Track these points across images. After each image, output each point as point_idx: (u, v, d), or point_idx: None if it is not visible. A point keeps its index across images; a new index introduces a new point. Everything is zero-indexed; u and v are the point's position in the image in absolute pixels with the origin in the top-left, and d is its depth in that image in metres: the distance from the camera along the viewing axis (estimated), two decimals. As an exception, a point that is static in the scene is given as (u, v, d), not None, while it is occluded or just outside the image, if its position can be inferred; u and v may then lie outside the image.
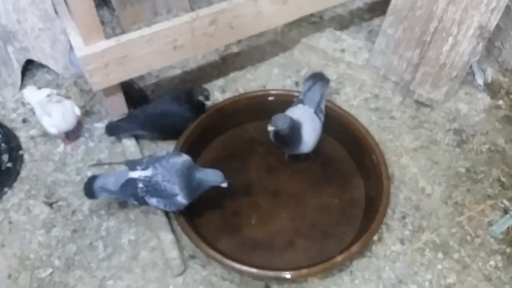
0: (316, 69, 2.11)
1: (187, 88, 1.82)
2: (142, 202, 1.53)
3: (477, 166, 1.84)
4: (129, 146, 1.83)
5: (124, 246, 1.62)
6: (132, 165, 1.54)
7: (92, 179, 1.59)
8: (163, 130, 1.84)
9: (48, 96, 1.66)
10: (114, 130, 1.85)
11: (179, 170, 1.48)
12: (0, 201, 1.72)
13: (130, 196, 1.53)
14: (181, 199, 1.49)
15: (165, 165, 1.49)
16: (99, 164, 1.80)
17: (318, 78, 1.82)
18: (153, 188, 1.48)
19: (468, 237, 1.67)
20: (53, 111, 1.69)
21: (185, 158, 1.54)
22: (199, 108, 1.81)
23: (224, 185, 1.53)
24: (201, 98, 1.77)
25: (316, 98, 1.76)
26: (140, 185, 1.49)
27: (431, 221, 1.70)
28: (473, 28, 1.75)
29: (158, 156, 1.55)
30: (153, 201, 1.51)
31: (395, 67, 1.99)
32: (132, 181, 1.50)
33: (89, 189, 1.58)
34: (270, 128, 1.59)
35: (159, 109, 1.80)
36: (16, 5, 1.88)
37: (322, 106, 1.76)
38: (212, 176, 1.53)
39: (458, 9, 1.74)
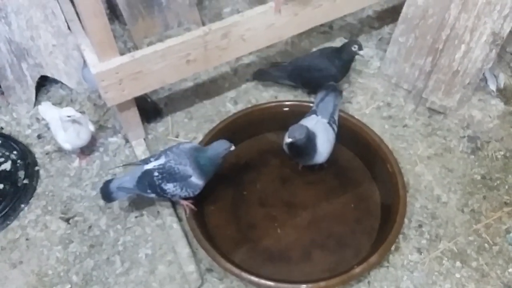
0: (328, 79, 2.12)
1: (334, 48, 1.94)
2: (160, 191, 1.57)
3: (492, 173, 1.83)
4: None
5: (141, 260, 1.63)
6: (146, 160, 1.63)
7: (108, 182, 1.63)
8: (308, 83, 2.00)
9: (69, 116, 1.67)
10: (263, 75, 2.07)
11: (187, 153, 1.56)
12: (17, 218, 1.73)
13: (147, 188, 1.57)
14: (196, 180, 1.54)
15: (175, 151, 1.58)
16: (129, 164, 1.81)
17: (331, 89, 1.83)
18: (167, 173, 1.54)
19: (486, 245, 1.66)
20: (69, 128, 1.71)
21: (193, 144, 1.63)
22: (347, 66, 1.91)
23: (232, 148, 1.58)
24: (354, 48, 1.85)
25: (330, 109, 1.76)
26: (156, 173, 1.55)
27: (448, 230, 1.69)
28: (485, 35, 1.75)
29: (169, 146, 1.64)
30: (169, 186, 1.55)
31: (407, 75, 1.99)
32: (148, 172, 1.56)
33: (106, 192, 1.62)
34: (288, 140, 1.59)
35: (307, 62, 1.94)
36: (29, 22, 1.91)
37: (336, 117, 1.77)
38: (218, 147, 1.57)
39: (471, 16, 1.73)
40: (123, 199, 1.74)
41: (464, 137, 1.93)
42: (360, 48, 1.86)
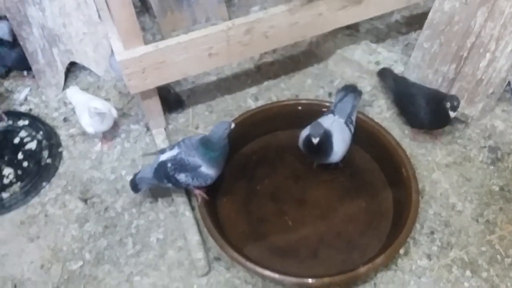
0: (350, 80, 2.13)
1: (441, 94, 1.85)
2: (174, 181, 1.62)
3: (511, 185, 1.79)
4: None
5: (153, 244, 1.67)
6: (163, 150, 1.69)
7: (135, 175, 1.70)
8: (401, 108, 1.96)
9: (96, 108, 1.74)
10: (385, 76, 2.04)
11: (194, 144, 1.60)
12: (38, 195, 1.80)
13: (163, 178, 1.62)
14: (205, 170, 1.58)
15: (187, 142, 1.63)
16: (148, 154, 1.86)
17: (350, 90, 1.83)
18: (179, 164, 1.59)
19: (498, 257, 1.63)
20: (94, 116, 1.77)
21: (201, 135, 1.64)
22: (438, 116, 1.80)
23: (233, 125, 1.59)
24: (446, 105, 1.74)
25: (348, 109, 1.77)
26: (169, 164, 1.60)
27: (461, 238, 1.67)
28: (511, 44, 1.72)
29: (185, 137, 1.69)
30: (182, 176, 1.60)
31: (430, 81, 1.97)
32: (163, 163, 1.62)
33: (133, 184, 1.70)
34: (308, 136, 1.61)
35: (412, 90, 1.89)
36: (62, 9, 1.98)
37: (353, 118, 1.77)
38: (219, 129, 1.57)
39: (497, 25, 1.71)
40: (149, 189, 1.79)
41: (485, 147, 1.90)
42: (453, 109, 1.74)
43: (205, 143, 1.57)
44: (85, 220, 1.73)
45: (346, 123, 1.73)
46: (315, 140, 1.59)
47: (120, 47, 1.66)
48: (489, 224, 1.70)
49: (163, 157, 1.63)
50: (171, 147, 1.65)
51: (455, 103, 1.73)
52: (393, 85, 1.97)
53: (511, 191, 1.78)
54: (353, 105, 1.79)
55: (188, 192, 1.76)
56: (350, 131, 1.74)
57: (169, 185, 1.65)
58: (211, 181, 1.62)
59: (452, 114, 1.75)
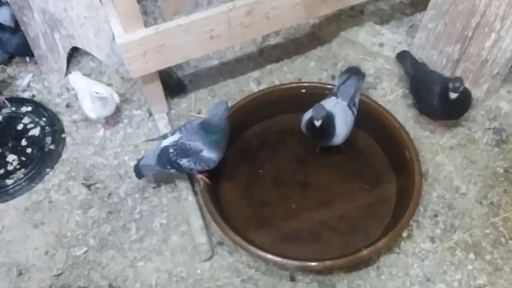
0: (354, 63, 2.10)
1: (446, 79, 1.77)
2: (177, 166, 1.61)
3: (516, 167, 1.78)
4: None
5: (156, 229, 1.68)
6: (165, 135, 1.68)
7: (139, 161, 1.70)
8: (415, 93, 1.89)
9: (97, 93, 1.74)
10: (403, 57, 1.97)
11: (195, 128, 1.59)
12: (42, 181, 1.81)
13: (166, 164, 1.62)
14: (207, 154, 1.57)
15: (188, 127, 1.62)
16: (150, 139, 1.84)
17: (354, 72, 1.81)
18: (180, 149, 1.59)
19: (502, 239, 1.62)
20: (96, 101, 1.76)
21: (201, 119, 1.62)
22: (448, 103, 1.72)
23: (228, 104, 1.59)
24: (450, 86, 1.67)
25: (351, 92, 1.75)
26: (171, 150, 1.59)
27: (464, 221, 1.66)
28: (517, 23, 1.69)
29: (185, 123, 1.66)
30: (184, 161, 1.59)
31: (435, 63, 1.94)
32: (165, 149, 1.61)
33: (137, 170, 1.69)
34: (317, 122, 1.59)
35: (430, 77, 1.83)
36: (63, -7, 1.96)
37: (356, 100, 1.75)
38: (217, 110, 1.55)
39: (502, 3, 1.67)
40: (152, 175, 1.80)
41: (490, 129, 1.88)
42: (454, 90, 1.66)
43: (206, 127, 1.56)
44: (89, 206, 1.74)
45: (349, 105, 1.72)
46: (318, 123, 1.58)
47: (120, 30, 1.64)
48: (493, 207, 1.69)
49: (165, 142, 1.62)
50: (173, 132, 1.64)
51: (457, 84, 1.66)
52: (411, 70, 1.90)
53: (516, 173, 1.77)
54: (356, 87, 1.77)
55: (190, 177, 1.76)
56: (353, 113, 1.72)
57: (172, 170, 1.65)
58: (213, 165, 1.61)
59: (452, 95, 1.67)
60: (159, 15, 2.36)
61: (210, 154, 1.58)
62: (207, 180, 1.64)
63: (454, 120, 1.87)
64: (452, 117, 1.85)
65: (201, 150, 1.57)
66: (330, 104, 1.69)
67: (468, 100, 1.78)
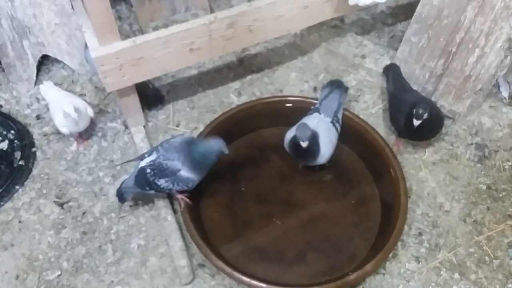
0: (335, 74, 2.07)
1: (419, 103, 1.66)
2: (155, 187, 1.54)
3: (498, 184, 1.77)
4: (142, 147, 1.80)
5: (133, 251, 1.60)
6: (141, 156, 1.59)
7: (121, 184, 1.62)
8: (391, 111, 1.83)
9: (65, 117, 1.67)
10: (390, 71, 1.91)
11: (177, 146, 1.52)
12: (11, 199, 1.71)
13: (145, 185, 1.55)
14: (186, 173, 1.51)
15: (165, 146, 1.55)
16: (127, 161, 1.76)
17: (336, 85, 1.77)
18: (158, 169, 1.52)
19: (487, 258, 1.61)
20: (69, 117, 1.67)
21: (184, 136, 1.58)
22: (411, 128, 1.66)
23: (226, 151, 1.52)
24: (413, 111, 1.62)
25: (334, 107, 1.71)
26: (148, 170, 1.53)
27: (449, 240, 1.65)
28: (501, 40, 1.68)
29: (162, 141, 1.60)
30: (162, 182, 1.52)
31: (417, 77, 1.93)
32: (142, 170, 1.54)
33: (119, 194, 1.63)
34: (303, 144, 1.53)
35: (404, 96, 1.76)
36: (32, -1, 1.86)
37: (339, 116, 1.72)
38: (213, 145, 1.51)
39: (487, 20, 1.67)
40: (112, 182, 1.74)
41: (472, 144, 1.87)
42: (417, 116, 1.60)
43: (193, 148, 1.50)
44: (62, 226, 1.65)
45: (332, 122, 1.68)
46: (304, 144, 1.53)
47: (95, 42, 1.56)
48: (477, 225, 1.68)
49: (143, 163, 1.55)
50: (150, 152, 1.57)
51: (420, 111, 1.60)
52: (391, 87, 1.87)
53: (498, 189, 1.76)
54: (339, 102, 1.73)
55: (170, 195, 1.69)
56: (337, 130, 1.69)
57: (152, 192, 1.58)
58: (193, 185, 1.55)
59: (415, 122, 1.61)
60: (134, 21, 2.28)
61: (188, 174, 1.51)
62: (187, 200, 1.57)
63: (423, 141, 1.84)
64: (419, 139, 1.82)
65: (179, 170, 1.50)
66: (314, 121, 1.65)
67: (437, 125, 1.75)
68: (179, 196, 1.57)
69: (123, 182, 1.61)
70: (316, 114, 1.69)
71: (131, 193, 1.61)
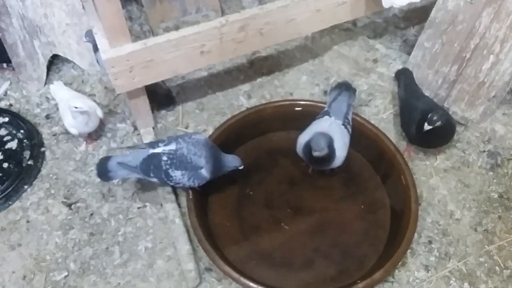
0: (347, 78, 2.05)
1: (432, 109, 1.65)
2: (164, 177, 1.52)
3: (510, 192, 1.75)
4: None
5: (141, 253, 1.60)
6: (152, 144, 1.58)
7: (107, 158, 1.58)
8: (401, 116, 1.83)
9: (76, 108, 1.64)
10: (403, 76, 1.89)
11: (205, 145, 1.54)
12: (19, 199, 1.71)
13: (150, 171, 1.53)
14: (205, 173, 1.52)
15: (188, 140, 1.53)
16: (121, 148, 1.77)
17: (344, 88, 1.75)
18: (178, 160, 1.50)
19: (497, 268, 1.59)
20: (77, 117, 1.67)
21: (205, 136, 1.60)
22: (424, 135, 1.66)
23: (241, 167, 1.61)
24: (428, 116, 1.60)
25: (343, 109, 1.69)
26: (164, 158, 1.51)
27: (459, 248, 1.62)
28: (517, 47, 1.66)
29: (178, 135, 1.60)
30: (177, 174, 1.51)
31: (430, 82, 1.90)
32: (156, 155, 1.52)
33: (103, 169, 1.55)
34: (319, 153, 1.53)
35: (416, 103, 1.74)
36: (44, -1, 1.86)
37: (349, 117, 1.70)
38: (232, 162, 1.60)
39: (502, 26, 1.64)
40: (120, 183, 1.72)
41: (484, 151, 1.85)
42: (430, 122, 1.58)
43: (216, 155, 1.56)
44: (70, 227, 1.65)
45: (344, 124, 1.66)
46: (319, 154, 1.53)
47: (106, 44, 1.55)
48: (488, 234, 1.66)
49: (156, 150, 1.53)
50: (166, 142, 1.54)
51: (435, 117, 1.58)
52: (402, 92, 1.84)
53: (510, 198, 1.74)
54: (348, 104, 1.72)
55: (177, 195, 1.69)
56: (349, 132, 1.67)
57: (155, 180, 1.56)
58: (203, 183, 1.56)
59: (426, 126, 1.59)
60: (145, 22, 2.27)
61: (206, 174, 1.53)
62: (196, 187, 1.59)
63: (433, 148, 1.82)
64: (429, 147, 1.80)
65: (201, 168, 1.51)
66: (325, 124, 1.63)
67: (449, 133, 1.72)
68: None
69: (108, 158, 1.57)
70: (326, 117, 1.67)
71: (125, 175, 1.59)
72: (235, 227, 1.63)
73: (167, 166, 1.51)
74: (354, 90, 1.79)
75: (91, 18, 1.66)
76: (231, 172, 1.62)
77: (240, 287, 1.51)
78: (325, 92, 2.02)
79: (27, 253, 1.60)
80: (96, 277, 1.55)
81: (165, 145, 1.54)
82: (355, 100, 1.79)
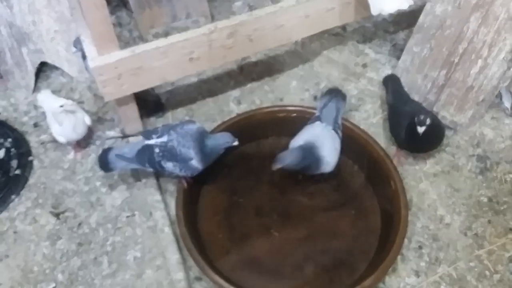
0: (336, 83, 2.05)
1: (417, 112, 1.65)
2: (158, 167, 1.57)
3: (500, 196, 1.75)
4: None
5: (129, 263, 1.58)
6: (147, 134, 1.59)
7: (107, 150, 1.61)
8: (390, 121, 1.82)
9: (61, 106, 1.62)
10: (391, 82, 1.89)
11: (193, 135, 1.55)
12: (7, 209, 1.69)
13: (145, 162, 1.56)
14: (196, 163, 1.54)
15: (179, 131, 1.55)
16: (115, 137, 1.79)
17: (334, 94, 1.75)
18: (169, 152, 1.54)
19: (487, 272, 1.59)
20: (64, 121, 1.66)
21: (198, 125, 1.60)
22: (412, 138, 1.66)
23: (235, 143, 1.59)
24: (416, 119, 1.59)
25: (333, 115, 1.69)
26: (157, 150, 1.54)
27: (449, 253, 1.62)
28: (504, 51, 1.66)
29: (172, 124, 1.63)
30: (169, 165, 1.54)
31: (419, 87, 1.90)
32: (149, 147, 1.55)
33: (104, 161, 1.59)
34: (274, 167, 1.55)
35: (405, 108, 1.75)
36: (31, 6, 1.85)
37: (339, 122, 1.70)
38: (222, 139, 1.59)
39: (490, 31, 1.65)
40: (109, 192, 1.72)
41: (474, 155, 1.85)
42: (419, 123, 1.58)
43: (204, 141, 1.55)
44: (57, 237, 1.63)
45: (334, 129, 1.66)
46: (297, 167, 1.56)
47: (94, 52, 1.54)
48: (478, 238, 1.66)
49: (150, 141, 1.56)
50: (160, 134, 1.56)
51: (422, 117, 1.58)
52: (390, 99, 1.84)
53: (499, 202, 1.74)
54: (337, 109, 1.71)
55: (166, 203, 1.68)
56: (339, 136, 1.66)
57: (150, 169, 1.61)
58: (196, 173, 1.58)
59: (419, 129, 1.59)
60: (134, 27, 2.26)
61: (198, 164, 1.55)
62: (190, 180, 1.60)
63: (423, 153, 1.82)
64: (419, 151, 1.80)
65: (191, 159, 1.53)
66: (317, 130, 1.64)
67: (438, 136, 1.72)
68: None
69: (110, 149, 1.60)
70: (318, 122, 1.67)
71: (124, 166, 1.61)
72: (225, 235, 1.62)
73: (159, 158, 1.55)
74: (344, 96, 1.78)
75: (79, 25, 1.65)
76: (227, 150, 1.61)
77: (230, 295, 1.51)
78: (315, 97, 2.02)
79: (15, 264, 1.58)
80: (84, 288, 1.54)
81: (158, 136, 1.57)
82: (345, 105, 1.79)
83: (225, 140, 1.58)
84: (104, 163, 1.59)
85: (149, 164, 1.56)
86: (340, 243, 1.60)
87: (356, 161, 1.78)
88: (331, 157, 1.61)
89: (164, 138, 1.55)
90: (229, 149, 1.63)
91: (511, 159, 1.83)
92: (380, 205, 1.67)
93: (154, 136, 1.57)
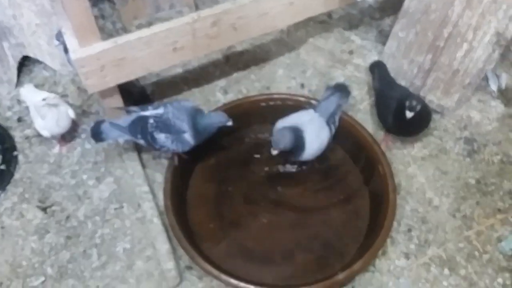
0: (323, 70, 2.05)
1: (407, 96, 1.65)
2: (150, 139, 1.57)
3: (487, 178, 1.76)
4: (127, 148, 1.77)
5: (119, 254, 1.57)
6: (143, 107, 1.61)
7: (100, 121, 1.62)
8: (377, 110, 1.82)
9: (43, 99, 1.60)
10: (377, 69, 1.89)
11: (188, 110, 1.57)
12: (-7, 205, 1.67)
13: (138, 133, 1.57)
14: (188, 137, 1.56)
15: (176, 105, 1.58)
16: (123, 108, 1.74)
17: (338, 89, 1.74)
18: (163, 123, 1.55)
19: (476, 253, 1.60)
20: (47, 115, 1.64)
21: (193, 103, 1.63)
22: (400, 121, 1.67)
23: (229, 123, 1.61)
24: (406, 104, 1.60)
25: (331, 109, 1.68)
26: (151, 120, 1.56)
27: (438, 235, 1.63)
28: (489, 34, 1.67)
29: (172, 101, 1.67)
30: (161, 136, 1.55)
31: (405, 72, 1.91)
32: (143, 118, 1.57)
33: (97, 130, 1.59)
34: (274, 152, 1.56)
35: (391, 93, 1.74)
36: (12, 0, 1.81)
37: (336, 118, 1.69)
38: (216, 118, 1.61)
39: (475, 14, 1.65)
40: (96, 185, 1.71)
41: (461, 138, 1.86)
42: (410, 108, 1.59)
43: (198, 118, 1.57)
44: (45, 231, 1.62)
45: (327, 122, 1.65)
46: (274, 152, 1.57)
47: (75, 44, 1.52)
48: (466, 219, 1.67)
49: (146, 113, 1.57)
50: (155, 106, 1.59)
51: (414, 103, 1.59)
52: (377, 84, 1.84)
53: (487, 184, 1.75)
54: (338, 104, 1.70)
55: (154, 194, 1.67)
56: (330, 130, 1.65)
57: (142, 141, 1.60)
58: (187, 149, 1.59)
59: (408, 113, 1.60)
60: (117, 19, 2.23)
61: (190, 139, 1.56)
62: (183, 156, 1.61)
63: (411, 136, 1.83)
64: (406, 135, 1.81)
65: (184, 132, 1.55)
66: (305, 117, 1.63)
67: (425, 119, 1.73)
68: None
69: (102, 121, 1.60)
70: (311, 110, 1.67)
71: (116, 136, 1.62)
72: (215, 223, 1.61)
73: (153, 129, 1.55)
74: (347, 93, 1.76)
75: (60, 17, 1.62)
76: (220, 129, 1.61)
77: (221, 284, 1.50)
78: (302, 85, 2.01)
79: (3, 259, 1.56)
80: (74, 281, 1.52)
81: (154, 108, 1.59)
82: (347, 102, 1.77)
83: (219, 119, 1.59)
84: (96, 133, 1.60)
85: (141, 135, 1.57)
86: (329, 228, 1.61)
87: (344, 147, 1.78)
88: (311, 144, 1.60)
89: (160, 110, 1.57)
90: (222, 130, 1.63)
91: (498, 140, 1.84)
92: (369, 189, 1.68)
93: (150, 108, 1.59)
